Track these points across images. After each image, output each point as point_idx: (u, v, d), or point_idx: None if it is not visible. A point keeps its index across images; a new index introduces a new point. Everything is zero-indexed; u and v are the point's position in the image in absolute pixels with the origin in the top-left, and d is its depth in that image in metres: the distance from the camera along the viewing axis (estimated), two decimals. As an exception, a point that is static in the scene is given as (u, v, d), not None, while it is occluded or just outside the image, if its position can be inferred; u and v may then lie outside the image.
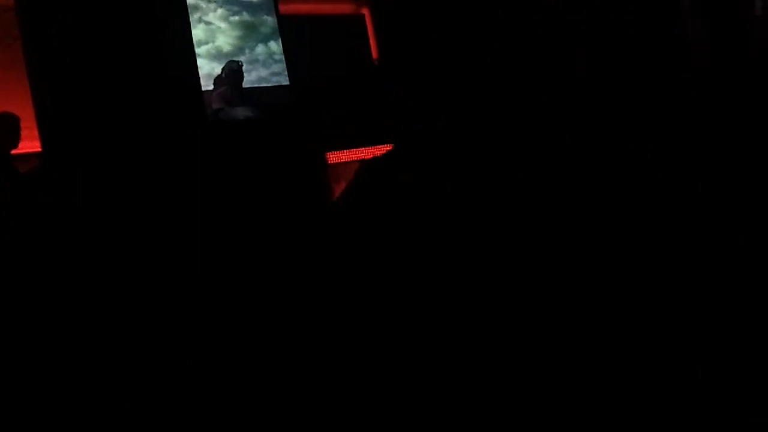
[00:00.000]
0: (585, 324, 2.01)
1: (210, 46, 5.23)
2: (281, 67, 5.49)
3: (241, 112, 4.96)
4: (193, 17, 5.10)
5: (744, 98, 2.50)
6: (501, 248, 1.99)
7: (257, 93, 5.23)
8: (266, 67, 5.48)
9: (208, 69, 5.14)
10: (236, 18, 5.43)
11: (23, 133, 4.29)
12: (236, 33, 5.41)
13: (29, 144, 4.43)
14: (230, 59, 5.12)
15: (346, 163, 4.72)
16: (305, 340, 2.04)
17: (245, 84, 5.26)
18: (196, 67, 5.05)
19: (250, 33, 5.50)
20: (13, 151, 4.23)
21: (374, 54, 5.96)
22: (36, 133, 4.44)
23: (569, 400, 1.94)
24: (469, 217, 2.00)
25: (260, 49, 5.52)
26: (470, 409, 1.95)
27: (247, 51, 5.42)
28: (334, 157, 4.66)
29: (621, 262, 2.07)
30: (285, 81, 5.43)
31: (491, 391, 1.96)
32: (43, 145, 4.45)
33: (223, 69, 5.17)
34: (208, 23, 5.24)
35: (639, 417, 1.93)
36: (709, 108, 2.44)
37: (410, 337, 1.98)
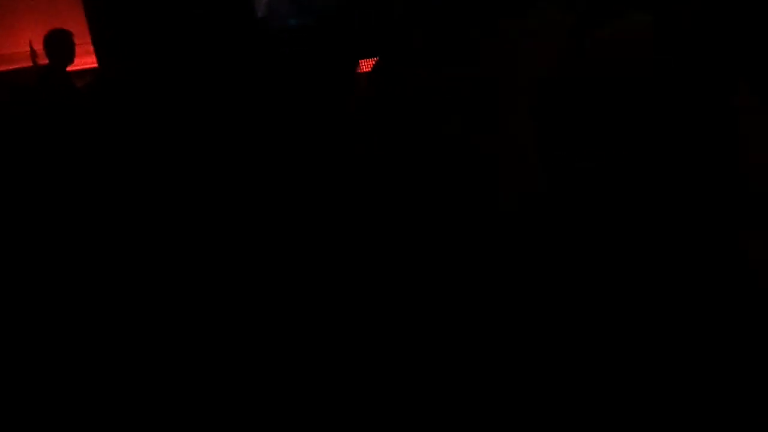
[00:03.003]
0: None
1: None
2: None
3: (290, 19, 4.91)
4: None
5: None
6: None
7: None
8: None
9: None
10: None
11: (79, 49, 4.38)
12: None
13: (87, 60, 4.53)
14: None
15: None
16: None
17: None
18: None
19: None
20: (70, 68, 4.34)
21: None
22: (91, 48, 4.51)
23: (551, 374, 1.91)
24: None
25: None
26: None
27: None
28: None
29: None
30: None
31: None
32: (99, 60, 4.53)
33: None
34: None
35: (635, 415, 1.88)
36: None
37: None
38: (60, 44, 4.30)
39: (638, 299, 1.95)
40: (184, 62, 4.27)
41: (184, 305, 2.29)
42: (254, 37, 4.64)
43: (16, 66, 4.77)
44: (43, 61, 4.41)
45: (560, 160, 1.97)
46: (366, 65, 4.57)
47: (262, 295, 2.17)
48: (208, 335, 2.22)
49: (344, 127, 2.16)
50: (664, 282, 1.94)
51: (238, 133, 2.85)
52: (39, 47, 4.45)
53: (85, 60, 4.50)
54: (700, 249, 1.91)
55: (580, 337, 1.95)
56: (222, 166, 2.64)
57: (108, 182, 3.36)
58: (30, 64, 4.66)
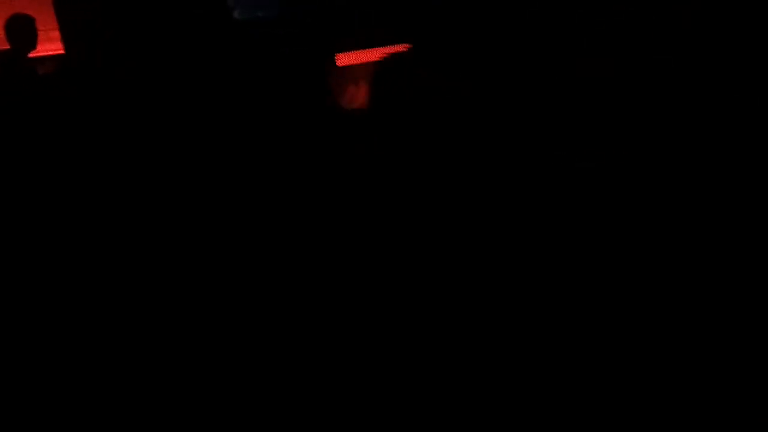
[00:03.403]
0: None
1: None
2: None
3: (257, 11, 4.81)
4: None
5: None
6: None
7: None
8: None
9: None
10: None
11: (43, 35, 4.23)
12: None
13: (49, 46, 4.37)
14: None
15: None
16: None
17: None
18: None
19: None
20: (32, 54, 4.19)
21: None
22: (56, 34, 4.36)
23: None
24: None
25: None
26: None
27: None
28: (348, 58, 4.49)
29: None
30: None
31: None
32: (66, 46, 4.38)
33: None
34: None
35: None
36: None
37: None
38: (21, 30, 4.15)
39: (639, 299, 1.95)
40: (174, 59, 4.16)
41: (181, 305, 2.23)
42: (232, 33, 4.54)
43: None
44: (4, 46, 4.25)
45: (560, 160, 1.96)
46: (344, 59, 4.51)
47: (261, 295, 2.12)
48: (207, 335, 2.17)
49: (344, 127, 2.12)
50: (664, 282, 1.94)
51: (231, 133, 2.79)
52: (-1, 32, 4.29)
53: (50, 47, 4.34)
54: (701, 248, 1.92)
55: (579, 338, 1.94)
56: (216, 167, 2.57)
57: (79, 173, 3.26)
58: (-11, 49, 4.48)
